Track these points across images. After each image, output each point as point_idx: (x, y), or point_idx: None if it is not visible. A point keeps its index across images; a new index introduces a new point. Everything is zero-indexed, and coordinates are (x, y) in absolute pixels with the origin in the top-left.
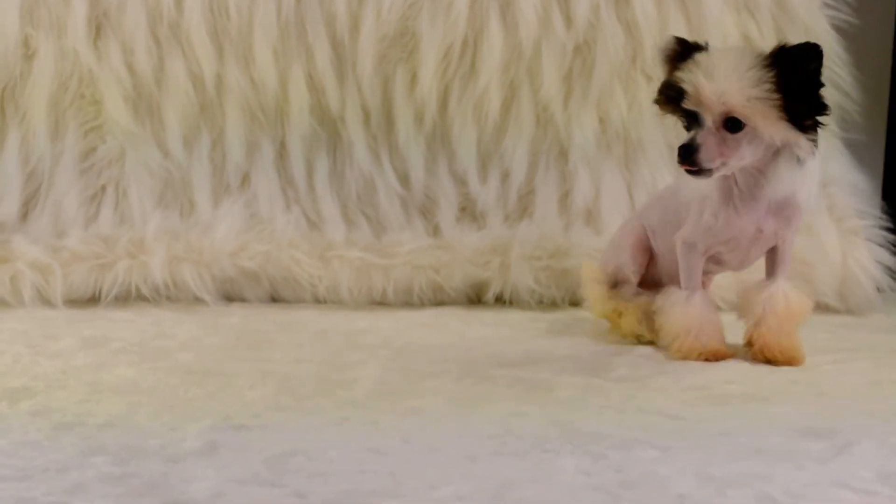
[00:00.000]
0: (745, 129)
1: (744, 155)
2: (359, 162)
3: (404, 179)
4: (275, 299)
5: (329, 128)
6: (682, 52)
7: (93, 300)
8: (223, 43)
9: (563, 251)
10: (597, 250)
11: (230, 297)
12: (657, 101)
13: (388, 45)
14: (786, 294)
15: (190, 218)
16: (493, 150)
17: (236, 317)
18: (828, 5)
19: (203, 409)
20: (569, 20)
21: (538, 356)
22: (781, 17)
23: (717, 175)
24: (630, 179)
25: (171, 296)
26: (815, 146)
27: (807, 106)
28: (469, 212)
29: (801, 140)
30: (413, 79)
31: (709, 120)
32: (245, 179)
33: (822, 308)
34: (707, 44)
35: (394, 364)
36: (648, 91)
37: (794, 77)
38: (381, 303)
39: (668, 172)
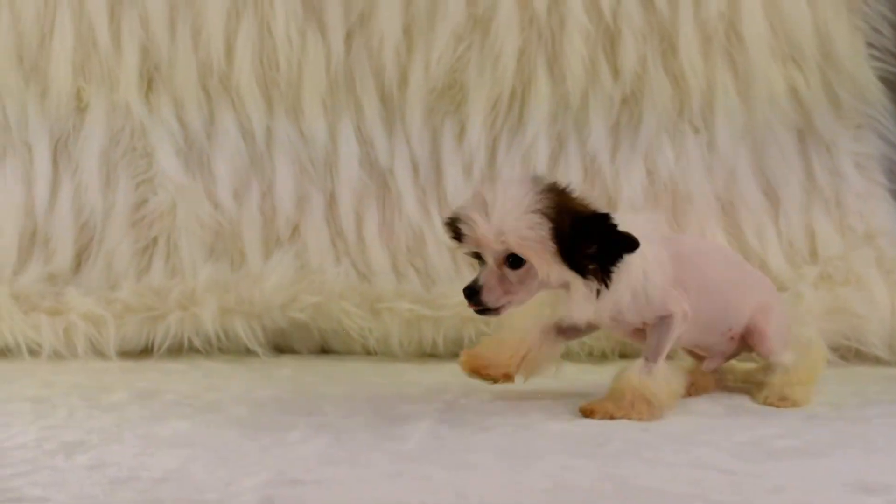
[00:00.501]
0: (527, 265)
1: (530, 290)
2: (408, 213)
3: None
4: (325, 351)
5: (378, 179)
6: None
7: (145, 352)
8: (272, 95)
9: None
10: None
11: (281, 348)
12: (449, 237)
13: (437, 97)
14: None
15: (240, 269)
16: None
17: (287, 368)
18: (874, 57)
19: (257, 464)
20: (616, 71)
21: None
22: (828, 69)
23: (508, 311)
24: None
25: (223, 347)
26: (606, 281)
27: (588, 253)
28: None
29: (578, 282)
30: (461, 130)
31: (490, 259)
32: (295, 231)
33: (871, 360)
34: None
35: (445, 417)
36: (696, 143)
37: (574, 231)
38: (431, 354)
39: (717, 225)
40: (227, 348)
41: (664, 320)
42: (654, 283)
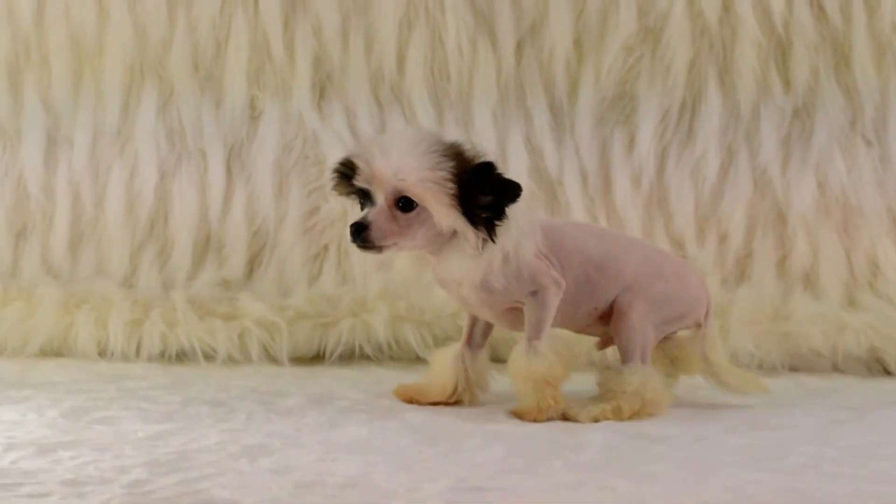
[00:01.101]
0: (417, 210)
1: (416, 235)
2: None
3: None
4: (494, 359)
5: (547, 190)
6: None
7: (316, 358)
8: (443, 105)
9: (782, 316)
10: (817, 315)
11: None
12: (332, 179)
13: (607, 108)
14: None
15: (411, 277)
16: (711, 213)
17: None
18: None
19: (438, 470)
20: (787, 84)
21: (763, 422)
22: None
23: (388, 254)
24: (849, 245)
25: (393, 355)
26: (490, 240)
27: (482, 203)
28: None
29: (469, 232)
30: (631, 141)
31: (381, 198)
32: None
33: None
34: None
35: (622, 427)
36: (868, 156)
37: (471, 176)
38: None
39: (888, 238)
40: (398, 356)
41: (538, 295)
42: (525, 251)
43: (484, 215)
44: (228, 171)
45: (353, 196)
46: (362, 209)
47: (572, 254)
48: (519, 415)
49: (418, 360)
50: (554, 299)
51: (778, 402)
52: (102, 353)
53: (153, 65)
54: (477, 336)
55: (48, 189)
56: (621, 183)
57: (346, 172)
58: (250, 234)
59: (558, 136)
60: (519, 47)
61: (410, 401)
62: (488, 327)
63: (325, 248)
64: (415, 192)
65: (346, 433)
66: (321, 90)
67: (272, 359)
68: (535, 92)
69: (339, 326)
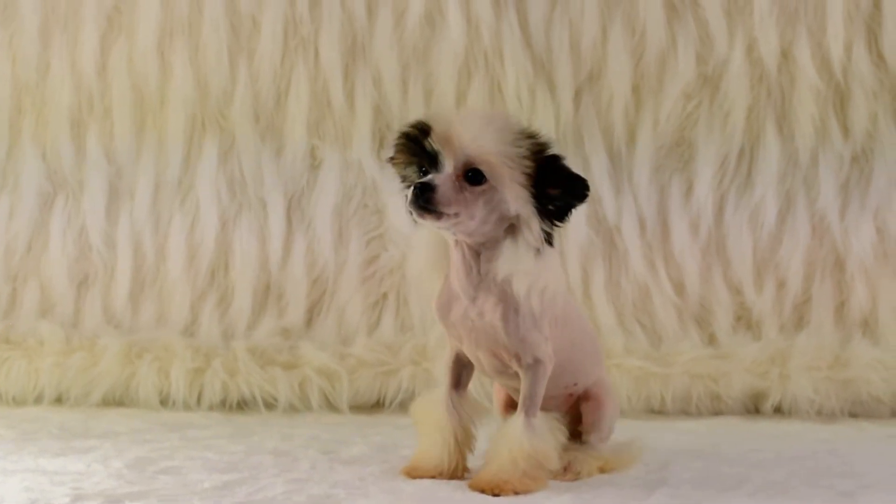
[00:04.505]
0: (485, 186)
1: (476, 214)
2: (634, 270)
3: (679, 288)
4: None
5: (605, 236)
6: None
7: (377, 406)
8: None
9: (842, 362)
10: (877, 361)
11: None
12: (398, 141)
13: (665, 155)
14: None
15: None
16: (769, 260)
17: None
18: None
19: None
20: (846, 130)
21: (832, 468)
22: None
23: (444, 227)
24: None
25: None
26: (549, 240)
27: (551, 195)
28: (745, 321)
29: (534, 221)
30: (689, 188)
31: (450, 165)
32: None
33: None
34: None
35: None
36: None
37: (547, 162)
38: (658, 411)
39: None
40: None
41: (535, 368)
42: (547, 295)
43: (550, 207)
44: (288, 220)
45: (412, 167)
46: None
47: (565, 323)
48: (480, 487)
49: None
50: (547, 374)
51: (830, 445)
52: (164, 402)
53: (214, 115)
54: (464, 377)
55: (110, 240)
56: (679, 230)
57: (416, 136)
58: (310, 282)
59: (616, 184)
60: (577, 95)
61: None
62: (472, 369)
63: (385, 295)
64: (490, 163)
65: (410, 483)
66: (380, 139)
67: (332, 407)
68: (593, 139)
69: (400, 374)
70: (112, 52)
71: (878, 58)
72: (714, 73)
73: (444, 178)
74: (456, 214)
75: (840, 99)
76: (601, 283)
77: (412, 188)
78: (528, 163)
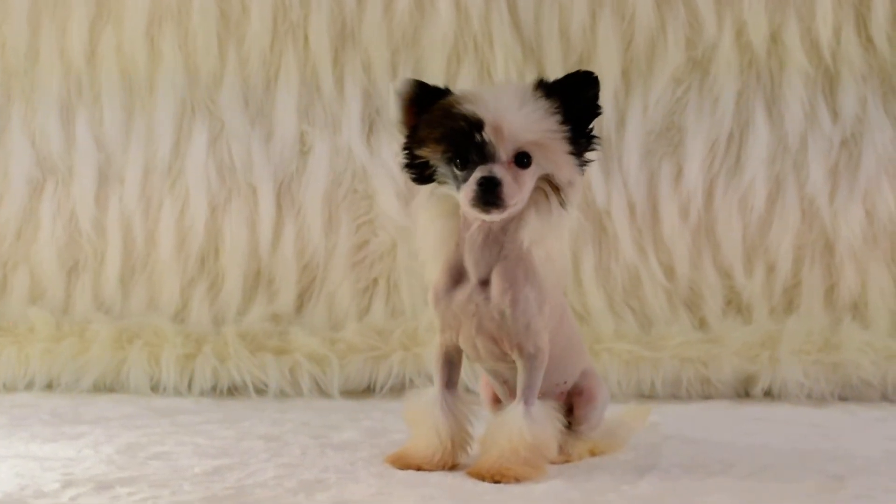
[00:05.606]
0: (532, 166)
1: (524, 195)
2: (624, 255)
3: (669, 272)
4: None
5: (595, 221)
6: (422, 96)
7: (367, 391)
8: None
9: (832, 345)
10: (866, 344)
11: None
12: (449, 133)
13: (654, 140)
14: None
15: None
16: (759, 243)
17: None
18: None
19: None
20: (835, 114)
21: (822, 451)
22: None
23: (503, 215)
24: None
25: None
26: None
27: (586, 137)
28: (734, 305)
29: (579, 183)
30: (679, 172)
31: (503, 154)
32: None
33: None
34: (447, 88)
35: (678, 457)
36: None
37: (577, 106)
38: (648, 396)
39: None
40: None
41: (533, 359)
42: (552, 267)
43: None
44: (278, 205)
45: (444, 156)
46: (460, 170)
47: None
48: (479, 475)
49: (468, 391)
50: (545, 364)
51: (829, 429)
52: (155, 388)
53: (204, 101)
54: (454, 376)
55: (99, 225)
56: (669, 214)
57: (465, 129)
58: (300, 267)
59: (606, 168)
60: None
61: (406, 467)
62: (460, 367)
63: (375, 281)
64: (542, 146)
65: None
66: (370, 124)
67: (323, 392)
68: None
69: (391, 360)
70: (101, 38)
71: (867, 41)
72: (703, 57)
73: (502, 170)
74: (514, 204)
75: (829, 83)
76: (591, 267)
77: (477, 185)
78: (564, 128)
